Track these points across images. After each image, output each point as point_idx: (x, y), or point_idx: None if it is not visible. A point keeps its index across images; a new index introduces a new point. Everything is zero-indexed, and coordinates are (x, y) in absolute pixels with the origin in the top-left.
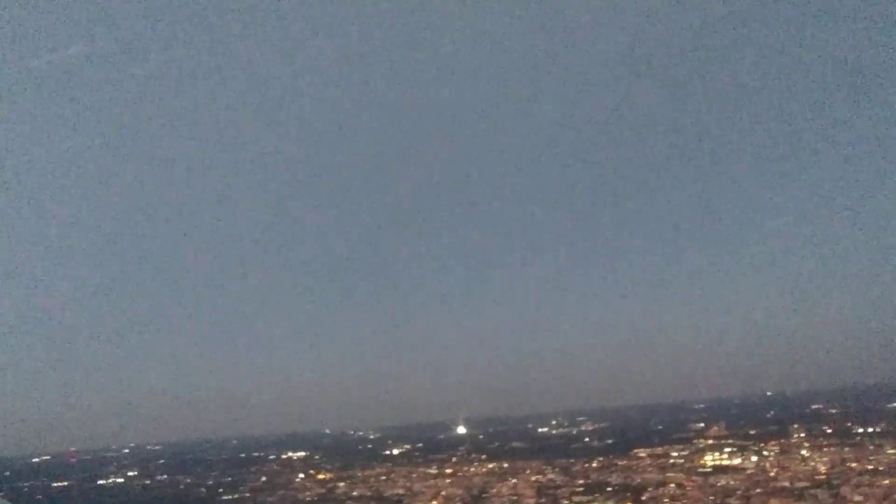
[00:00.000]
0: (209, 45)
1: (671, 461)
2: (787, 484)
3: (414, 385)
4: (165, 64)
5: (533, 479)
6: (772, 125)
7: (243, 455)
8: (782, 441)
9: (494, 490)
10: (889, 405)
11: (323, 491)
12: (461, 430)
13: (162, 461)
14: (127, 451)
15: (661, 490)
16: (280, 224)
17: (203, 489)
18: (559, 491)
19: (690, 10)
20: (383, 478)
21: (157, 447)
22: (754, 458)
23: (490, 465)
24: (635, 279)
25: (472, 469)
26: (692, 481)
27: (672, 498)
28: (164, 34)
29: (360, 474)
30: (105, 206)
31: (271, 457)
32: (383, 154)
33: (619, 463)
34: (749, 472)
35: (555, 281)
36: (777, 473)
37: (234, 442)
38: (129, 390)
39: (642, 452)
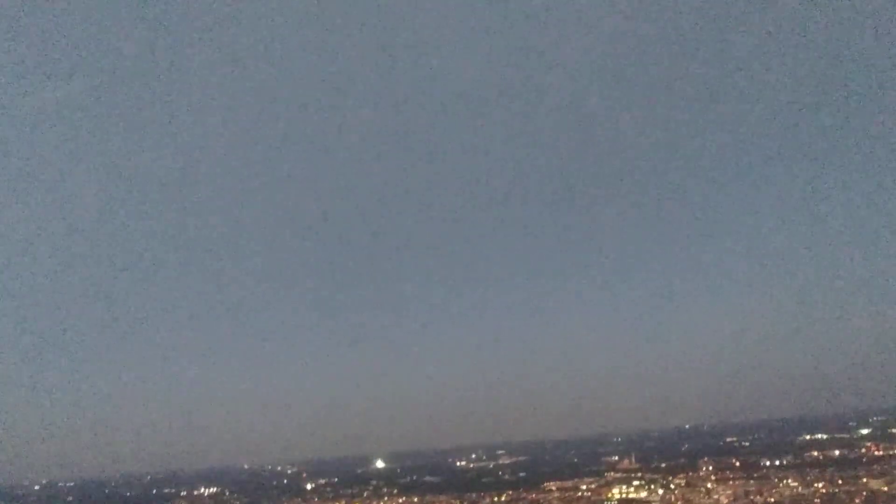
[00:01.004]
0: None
1: (579, 494)
2: None
3: (340, 418)
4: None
5: None
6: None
7: (155, 491)
8: (690, 474)
9: None
10: (799, 438)
11: None
12: (380, 463)
13: (71, 498)
14: (38, 487)
15: None
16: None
17: None
18: None
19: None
20: None
21: (69, 484)
22: (660, 492)
23: (400, 500)
24: (559, 312)
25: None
26: None
27: None
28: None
29: None
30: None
31: (183, 493)
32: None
33: (528, 496)
34: None
35: (480, 315)
36: None
37: (149, 478)
38: (44, 425)
39: (552, 486)
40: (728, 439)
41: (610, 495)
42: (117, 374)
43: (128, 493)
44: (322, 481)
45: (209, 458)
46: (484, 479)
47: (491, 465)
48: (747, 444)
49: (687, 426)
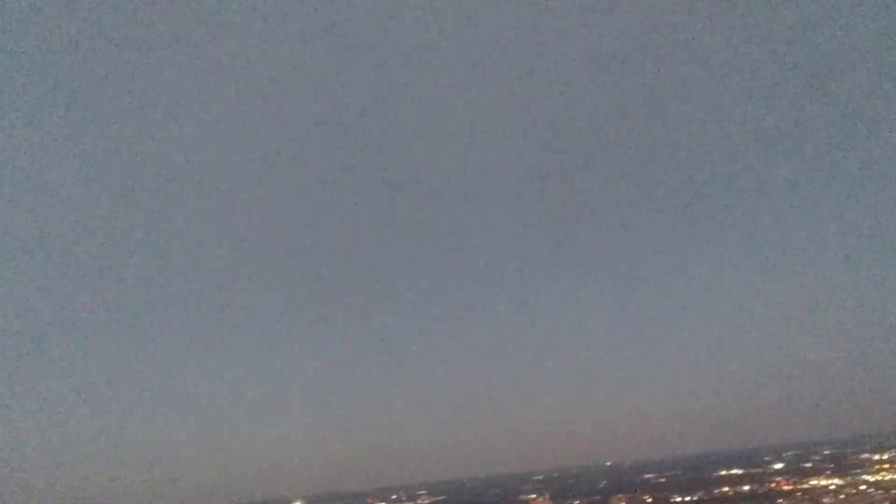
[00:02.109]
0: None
1: None
2: None
3: (255, 457)
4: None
5: None
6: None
7: None
8: None
9: None
10: (715, 473)
11: None
12: None
13: None
14: None
15: None
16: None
17: None
18: None
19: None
20: None
21: None
22: None
23: None
24: (482, 348)
25: None
26: None
27: None
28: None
29: None
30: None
31: None
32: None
33: None
34: None
35: (402, 353)
36: None
37: None
38: None
39: None
40: (646, 476)
41: None
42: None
43: None
44: None
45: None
46: None
47: None
48: (664, 480)
49: (608, 463)
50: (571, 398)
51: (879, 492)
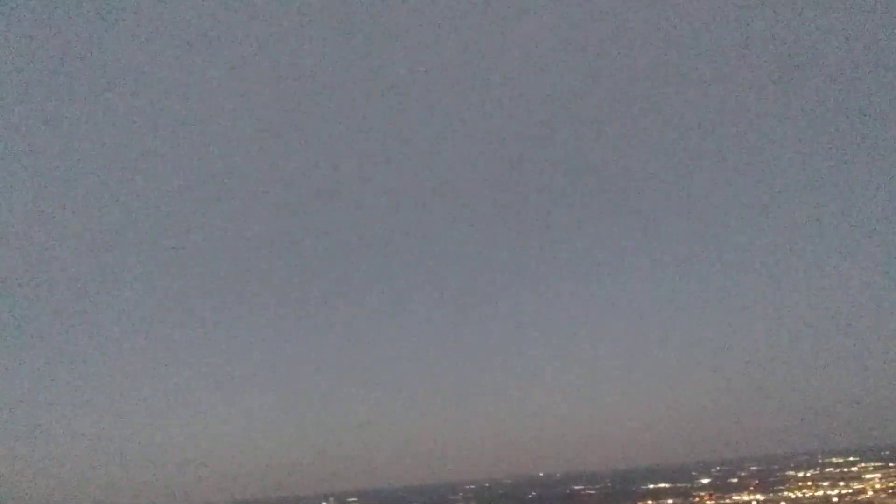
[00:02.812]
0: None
1: None
2: None
3: (179, 462)
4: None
5: None
6: None
7: None
8: None
9: None
10: (643, 486)
11: None
12: None
13: None
14: None
15: None
16: None
17: None
18: None
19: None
20: None
21: None
22: None
23: None
24: (412, 350)
25: None
26: None
27: None
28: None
29: None
30: None
31: None
32: None
33: None
34: None
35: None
36: None
37: None
38: None
39: None
40: (576, 487)
41: None
42: None
43: None
44: None
45: None
46: None
47: None
48: (593, 492)
49: (541, 473)
50: (510, 407)
51: None
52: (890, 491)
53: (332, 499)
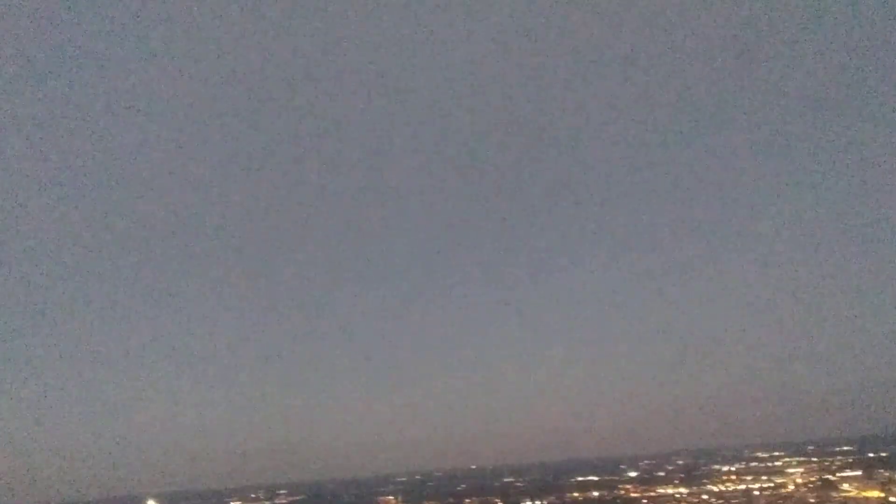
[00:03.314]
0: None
1: None
2: None
3: (104, 451)
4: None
5: None
6: None
7: None
8: None
9: None
10: (572, 479)
11: None
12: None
13: None
14: None
15: None
16: None
17: None
18: None
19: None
20: None
21: None
22: None
23: None
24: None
25: None
26: None
27: None
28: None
29: None
30: None
31: None
32: None
33: None
34: None
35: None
36: None
37: None
38: None
39: None
40: (506, 479)
41: None
42: None
43: None
44: None
45: None
46: None
47: None
48: (521, 484)
49: (473, 466)
50: (443, 401)
51: (720, 501)
52: (811, 485)
53: (261, 492)
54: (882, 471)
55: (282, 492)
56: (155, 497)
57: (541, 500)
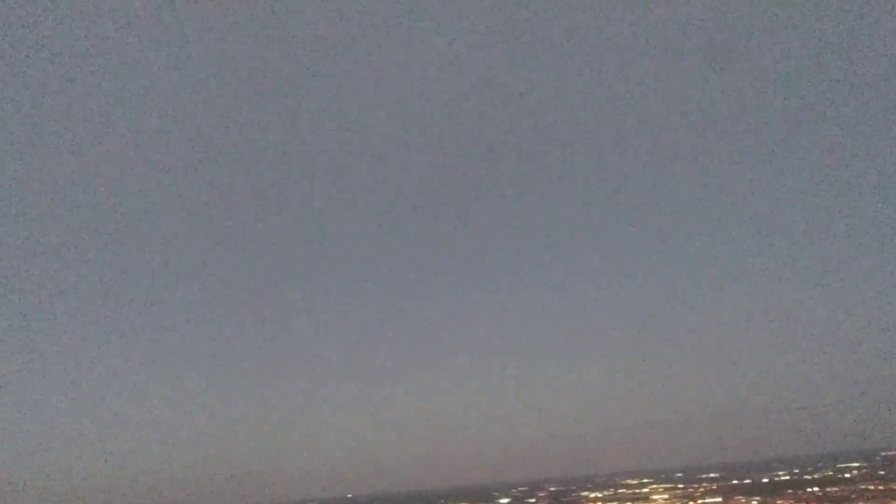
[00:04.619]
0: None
1: None
2: None
3: None
4: None
5: None
6: None
7: None
8: None
9: None
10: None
11: None
12: None
13: None
14: None
15: None
16: None
17: None
18: None
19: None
20: None
21: None
22: None
23: None
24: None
25: None
26: None
27: None
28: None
29: None
30: None
31: None
32: None
33: None
34: None
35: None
36: None
37: None
38: None
39: None
40: None
41: None
42: None
43: None
44: None
45: None
46: None
47: None
48: None
49: (349, 495)
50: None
51: None
52: None
53: None
54: (740, 497)
55: None
56: None
57: None
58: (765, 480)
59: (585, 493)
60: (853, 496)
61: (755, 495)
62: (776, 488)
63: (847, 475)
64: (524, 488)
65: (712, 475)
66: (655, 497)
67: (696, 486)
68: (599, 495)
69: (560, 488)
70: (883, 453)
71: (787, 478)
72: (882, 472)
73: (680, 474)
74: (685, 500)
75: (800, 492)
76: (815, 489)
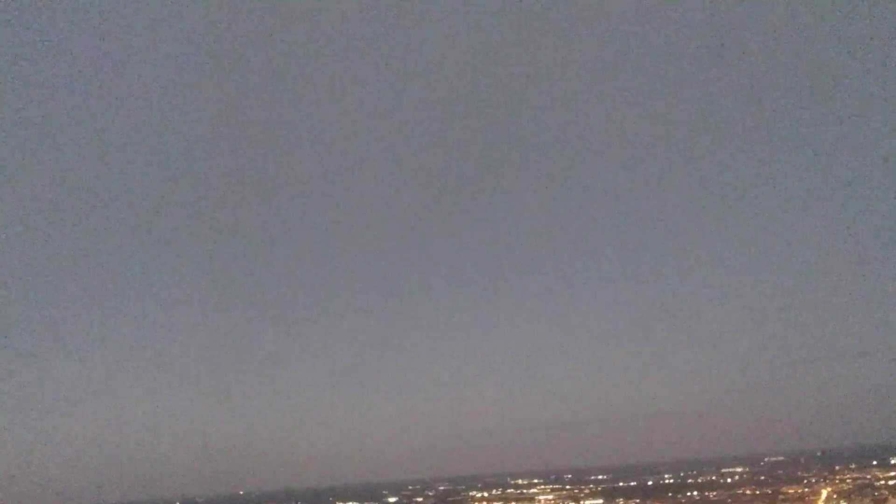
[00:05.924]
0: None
1: None
2: None
3: None
4: None
5: None
6: None
7: None
8: None
9: None
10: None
11: None
12: None
13: None
14: None
15: None
16: None
17: None
18: None
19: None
20: None
21: None
22: None
23: None
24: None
25: None
26: None
27: None
28: None
29: None
30: None
31: None
32: None
33: None
34: None
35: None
36: None
37: None
38: None
39: None
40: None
41: None
42: None
43: None
44: None
45: None
46: None
47: None
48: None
49: (241, 492)
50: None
51: None
52: None
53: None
54: (620, 499)
55: None
56: None
57: None
58: (649, 483)
59: (474, 493)
60: (729, 501)
61: (635, 497)
62: (657, 491)
63: (729, 479)
64: (414, 487)
65: (601, 477)
66: (541, 497)
67: (582, 487)
68: (487, 494)
69: (449, 487)
70: (766, 458)
71: (672, 481)
72: (762, 478)
73: (570, 475)
74: (567, 501)
75: (678, 495)
76: (695, 493)
